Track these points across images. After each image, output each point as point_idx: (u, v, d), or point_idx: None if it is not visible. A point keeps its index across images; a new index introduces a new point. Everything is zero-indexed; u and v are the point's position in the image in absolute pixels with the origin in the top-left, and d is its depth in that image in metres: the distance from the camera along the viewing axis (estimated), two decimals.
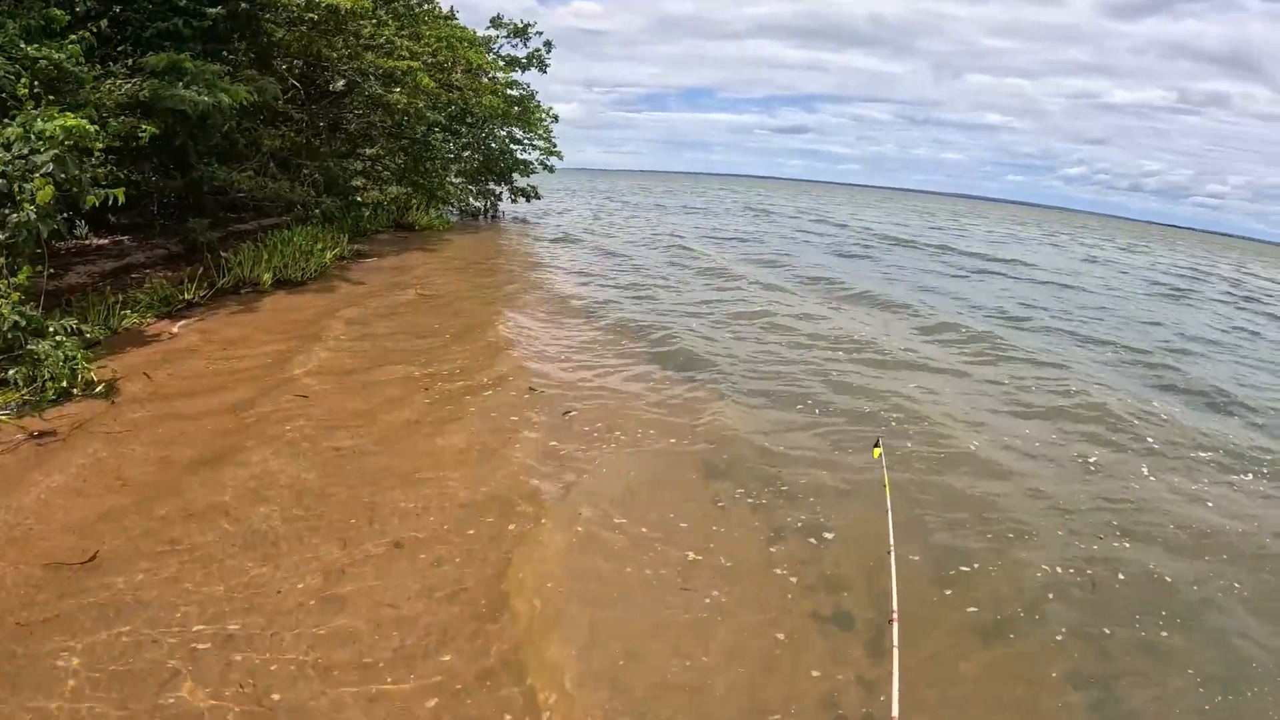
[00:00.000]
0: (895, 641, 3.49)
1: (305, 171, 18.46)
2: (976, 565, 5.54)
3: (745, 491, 6.48)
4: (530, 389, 8.81)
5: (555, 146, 29.25)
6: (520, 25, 26.35)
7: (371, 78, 17.94)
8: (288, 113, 17.83)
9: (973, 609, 5.03)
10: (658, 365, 10.46)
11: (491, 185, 29.34)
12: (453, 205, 28.22)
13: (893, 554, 4.31)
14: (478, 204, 29.42)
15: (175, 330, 10.65)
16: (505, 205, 30.74)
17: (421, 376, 9.12)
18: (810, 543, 5.73)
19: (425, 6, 20.83)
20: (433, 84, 18.10)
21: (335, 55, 16.24)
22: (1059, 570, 5.56)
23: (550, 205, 37.69)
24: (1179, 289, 26.60)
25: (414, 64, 17.38)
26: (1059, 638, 4.78)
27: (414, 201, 24.35)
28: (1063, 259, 34.42)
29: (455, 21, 22.22)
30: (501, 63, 26.00)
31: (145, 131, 11.58)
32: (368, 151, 23.64)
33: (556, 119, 29.07)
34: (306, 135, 19.28)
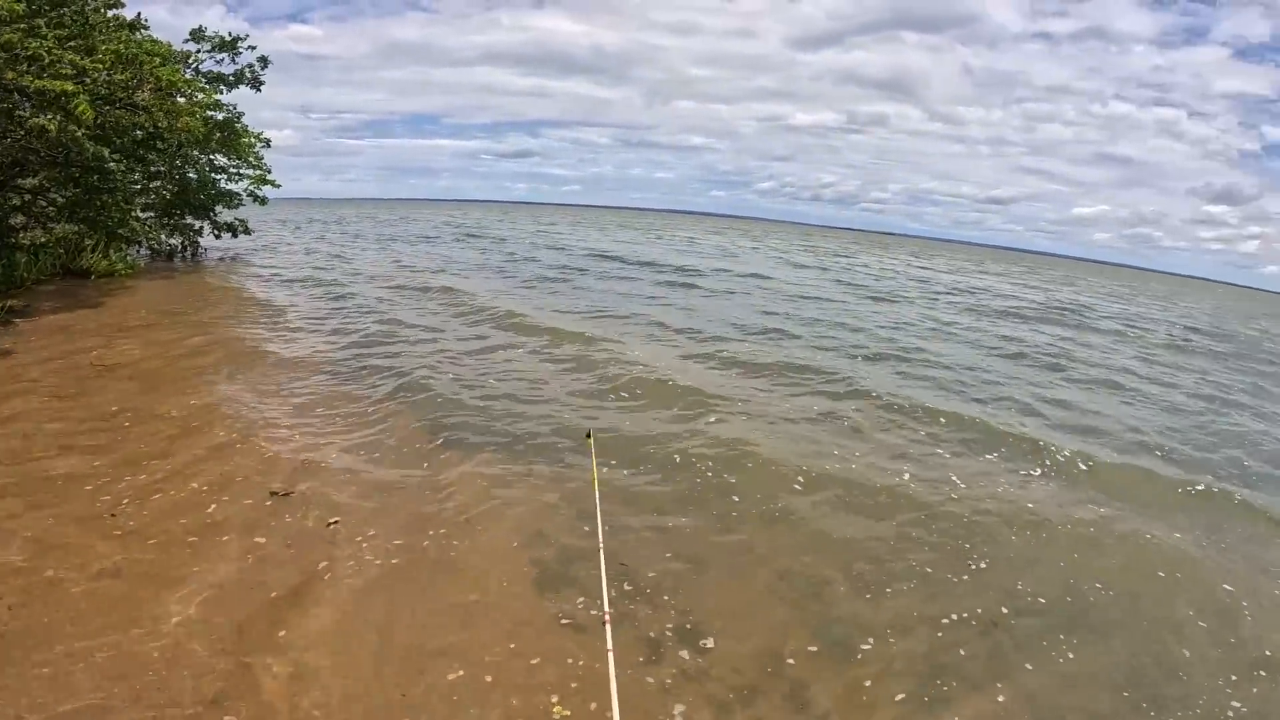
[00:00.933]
0: (610, 644, 3.46)
1: None
2: None
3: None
4: (272, 493, 6.98)
5: (268, 174, 25.81)
6: (227, 39, 22.80)
7: (17, 96, 14.19)
8: None
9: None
10: (415, 419, 9.31)
11: (190, 220, 25.18)
12: (140, 245, 23.78)
13: (602, 551, 4.39)
14: (172, 242, 25.06)
15: None
16: (208, 242, 26.59)
17: (100, 487, 6.72)
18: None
19: (103, 14, 16.92)
20: (91, 113, 14.59)
21: None
22: None
23: (264, 240, 33.63)
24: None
25: (69, 86, 13.87)
26: None
27: (88, 242, 20.11)
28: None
29: (143, 33, 18.37)
30: (203, 81, 22.12)
31: None
32: (26, 183, 19.11)
33: (268, 144, 25.61)
34: None
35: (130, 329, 13.41)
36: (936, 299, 31.40)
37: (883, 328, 20.74)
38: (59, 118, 14.46)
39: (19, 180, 18.49)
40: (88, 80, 14.84)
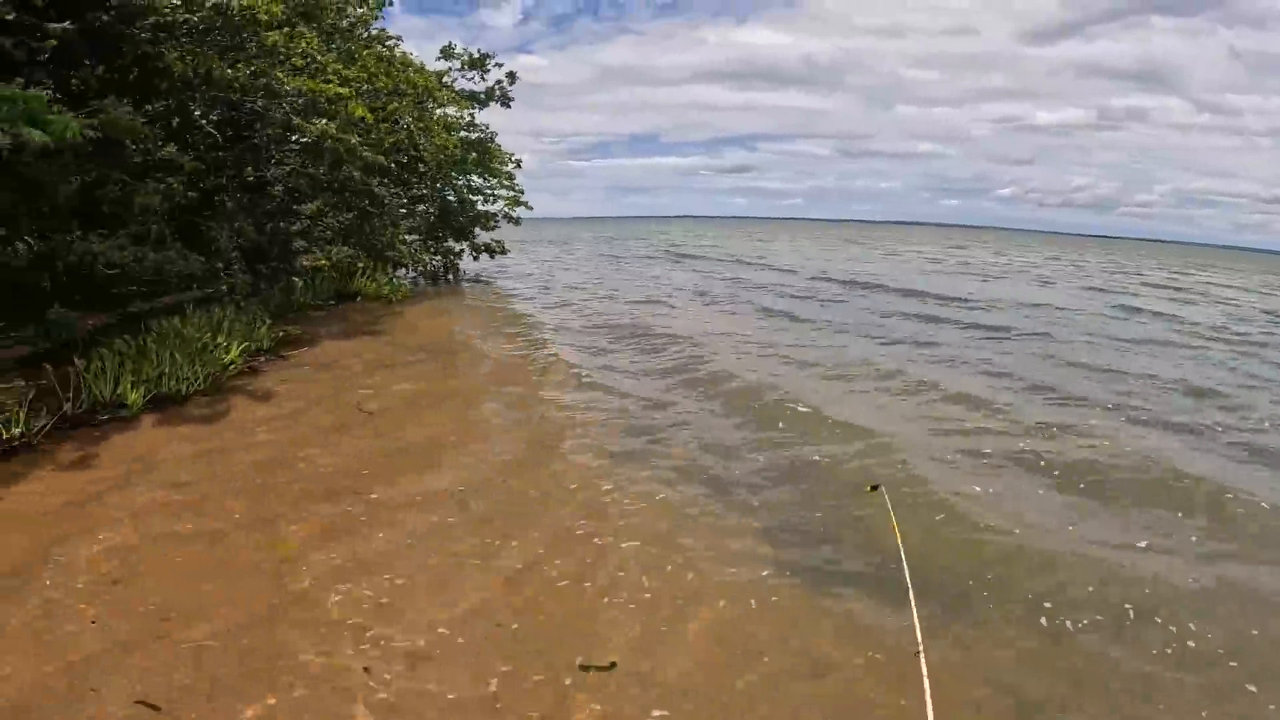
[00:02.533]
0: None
1: (213, 235, 14.00)
2: None
3: None
4: None
5: (521, 195, 25.13)
6: (476, 56, 22.40)
7: (284, 103, 13.43)
8: (183, 158, 13.39)
9: None
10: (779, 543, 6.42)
11: (450, 242, 24.92)
12: (406, 267, 23.75)
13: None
14: (435, 262, 24.92)
15: None
16: (466, 264, 26.29)
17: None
18: None
19: (360, 29, 16.49)
20: (366, 112, 13.58)
21: (235, 76, 11.66)
22: None
23: (514, 260, 32.67)
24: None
25: (343, 90, 12.99)
26: None
27: (360, 266, 19.99)
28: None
29: (393, 43, 18.03)
30: (457, 96, 21.63)
31: None
32: (307, 208, 19.28)
33: (519, 164, 25.05)
34: (210, 187, 14.83)
35: (404, 364, 12.02)
36: None
37: None
38: (333, 124, 13.54)
39: (299, 206, 18.53)
40: (347, 90, 13.99)
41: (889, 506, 5.50)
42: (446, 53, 22.34)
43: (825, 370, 12.37)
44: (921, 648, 3.70)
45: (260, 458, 7.74)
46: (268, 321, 13.32)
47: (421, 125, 17.53)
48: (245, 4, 10.83)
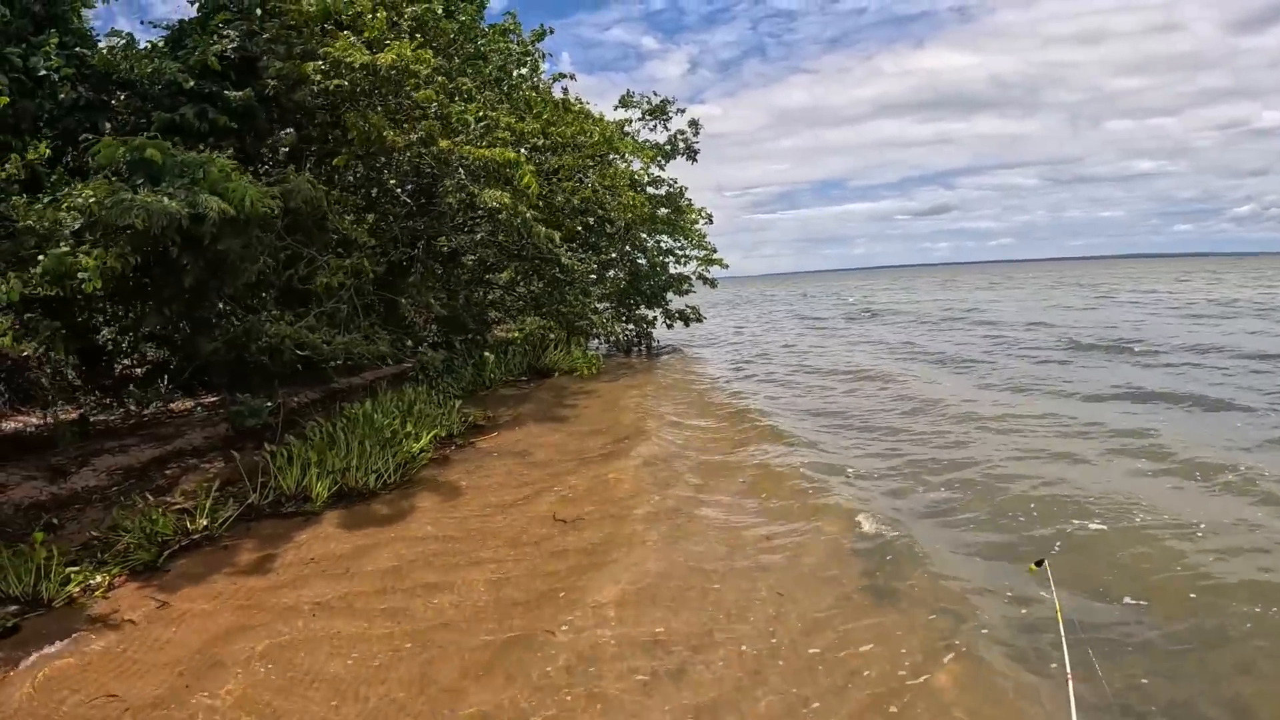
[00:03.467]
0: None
1: (403, 310, 13.59)
2: None
3: None
4: None
5: (714, 253, 23.60)
6: (656, 103, 21.25)
7: (460, 170, 12.77)
8: (359, 231, 13.17)
9: None
10: None
11: (643, 309, 23.87)
12: (597, 337, 22.89)
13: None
14: (629, 330, 23.89)
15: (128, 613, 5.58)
16: (660, 331, 25.08)
17: None
18: None
19: (526, 75, 15.95)
20: (535, 181, 12.60)
21: (402, 142, 11.03)
22: None
23: (710, 328, 30.58)
24: None
25: (511, 154, 12.05)
26: None
27: (552, 337, 19.33)
28: None
29: (566, 83, 17.38)
30: (641, 147, 20.42)
31: (86, 269, 6.75)
32: (500, 278, 19.07)
33: (710, 219, 23.46)
34: (400, 258, 14.58)
35: (599, 457, 10.49)
36: None
37: None
38: (505, 191, 12.55)
39: (491, 275, 18.24)
40: (525, 147, 13.10)
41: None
42: (625, 101, 21.22)
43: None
44: None
45: (433, 579, 6.44)
46: (458, 402, 12.55)
47: (607, 182, 16.53)
48: (395, 60, 10.12)
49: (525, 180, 12.22)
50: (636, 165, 18.78)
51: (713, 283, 23.92)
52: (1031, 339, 22.58)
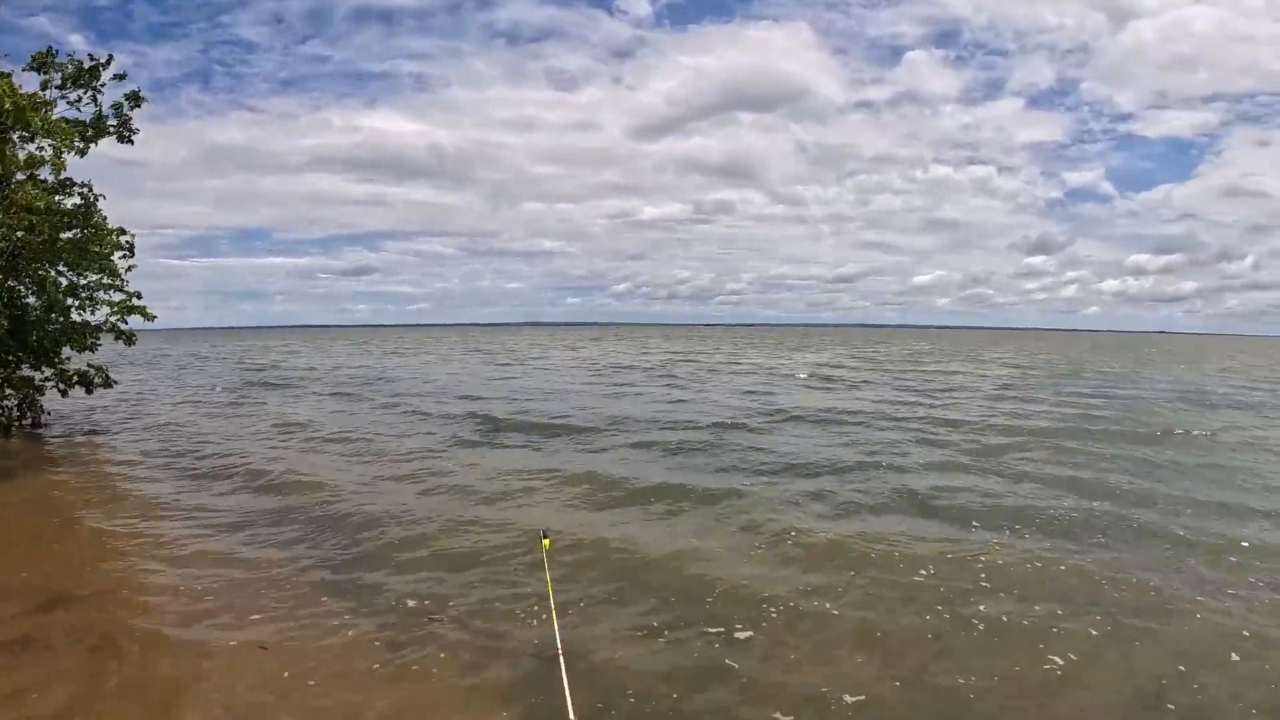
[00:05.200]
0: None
1: None
2: None
3: None
4: None
5: (137, 297, 18.15)
6: (84, 65, 15.37)
7: None
8: None
9: None
10: None
11: (27, 369, 17.71)
12: None
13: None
14: (6, 404, 17.43)
15: None
16: (51, 401, 18.84)
17: None
18: None
19: None
20: None
21: None
22: None
23: (115, 394, 22.66)
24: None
25: None
26: None
27: None
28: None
29: None
30: (58, 124, 13.74)
31: None
32: None
33: (132, 249, 17.91)
34: None
35: None
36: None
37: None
38: None
39: None
40: None
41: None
42: (42, 60, 15.02)
43: None
44: None
45: None
46: None
47: None
48: None
49: None
50: (47, 156, 13.10)
51: (129, 337, 18.80)
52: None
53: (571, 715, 3.98)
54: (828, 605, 6.88)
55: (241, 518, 10.38)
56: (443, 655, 6.00)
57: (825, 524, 9.80)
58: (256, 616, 6.82)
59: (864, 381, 32.52)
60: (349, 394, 27.38)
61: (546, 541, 6.09)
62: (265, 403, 24.76)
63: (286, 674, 5.66)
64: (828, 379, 33.79)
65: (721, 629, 6.37)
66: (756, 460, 14.08)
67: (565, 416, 20.25)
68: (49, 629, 6.41)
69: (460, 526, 9.66)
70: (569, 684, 4.30)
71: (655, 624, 6.55)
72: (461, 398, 25.40)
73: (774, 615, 6.69)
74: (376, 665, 5.83)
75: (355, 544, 9.14)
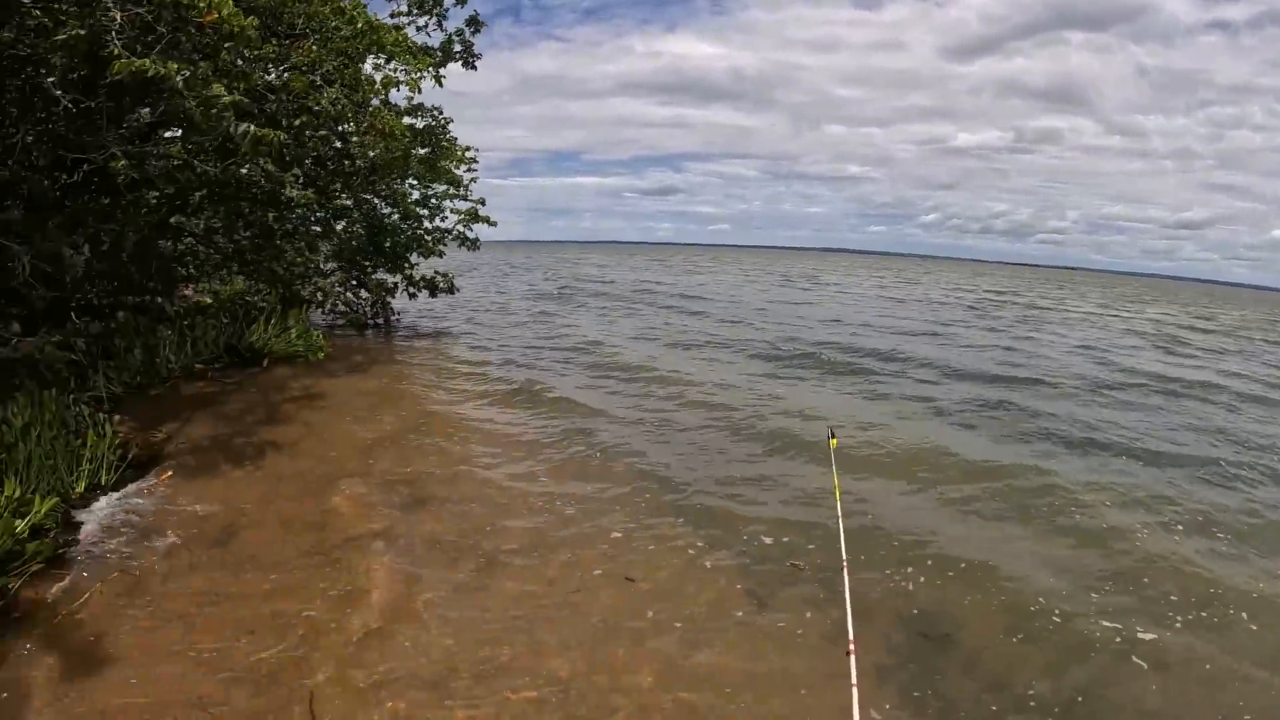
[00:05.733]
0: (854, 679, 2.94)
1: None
2: None
3: None
4: None
5: (481, 206, 18.87)
6: None
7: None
8: None
9: None
10: None
11: (384, 275, 18.86)
12: (321, 307, 17.57)
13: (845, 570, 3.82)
14: (362, 300, 18.74)
15: None
16: (401, 302, 19.78)
17: None
18: None
19: None
20: (242, 20, 7.14)
21: None
22: None
23: (466, 300, 24.58)
24: None
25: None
26: None
27: (261, 305, 14.07)
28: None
29: None
30: (409, 48, 12.91)
31: None
32: (197, 223, 13.16)
33: (476, 162, 18.35)
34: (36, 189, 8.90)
35: (355, 541, 6.25)
36: None
37: None
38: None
39: (182, 219, 12.51)
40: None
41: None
42: None
43: None
44: None
45: None
46: (107, 426, 7.38)
47: (357, 96, 11.44)
48: None
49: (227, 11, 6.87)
50: (401, 80, 13.03)
51: (474, 244, 19.30)
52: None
53: None
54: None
55: (566, 426, 9.79)
56: (809, 615, 5.20)
57: (1173, 539, 6.89)
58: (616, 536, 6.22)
59: (1224, 350, 25.39)
60: (674, 306, 26.92)
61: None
62: (583, 307, 25.18)
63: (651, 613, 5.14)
64: (1176, 341, 26.85)
65: None
66: (1087, 437, 10.69)
67: (880, 353, 17.80)
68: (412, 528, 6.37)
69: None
70: None
71: None
72: (778, 323, 23.47)
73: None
74: (740, 614, 5.24)
75: (700, 466, 8.41)
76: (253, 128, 7.19)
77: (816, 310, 29.27)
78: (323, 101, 10.27)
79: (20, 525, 5.26)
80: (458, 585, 5.40)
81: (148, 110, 9.10)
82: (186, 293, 16.49)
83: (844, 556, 3.97)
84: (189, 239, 13.26)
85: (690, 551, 6.11)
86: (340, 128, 12.55)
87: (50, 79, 7.60)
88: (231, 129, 7.17)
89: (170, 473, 6.97)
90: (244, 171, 10.79)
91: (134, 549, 5.61)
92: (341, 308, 18.21)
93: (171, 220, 12.36)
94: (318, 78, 10.42)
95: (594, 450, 8.72)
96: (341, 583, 5.29)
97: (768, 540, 6.37)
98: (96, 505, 6.26)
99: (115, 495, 6.46)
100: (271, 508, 6.53)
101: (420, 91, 13.77)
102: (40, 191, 8.47)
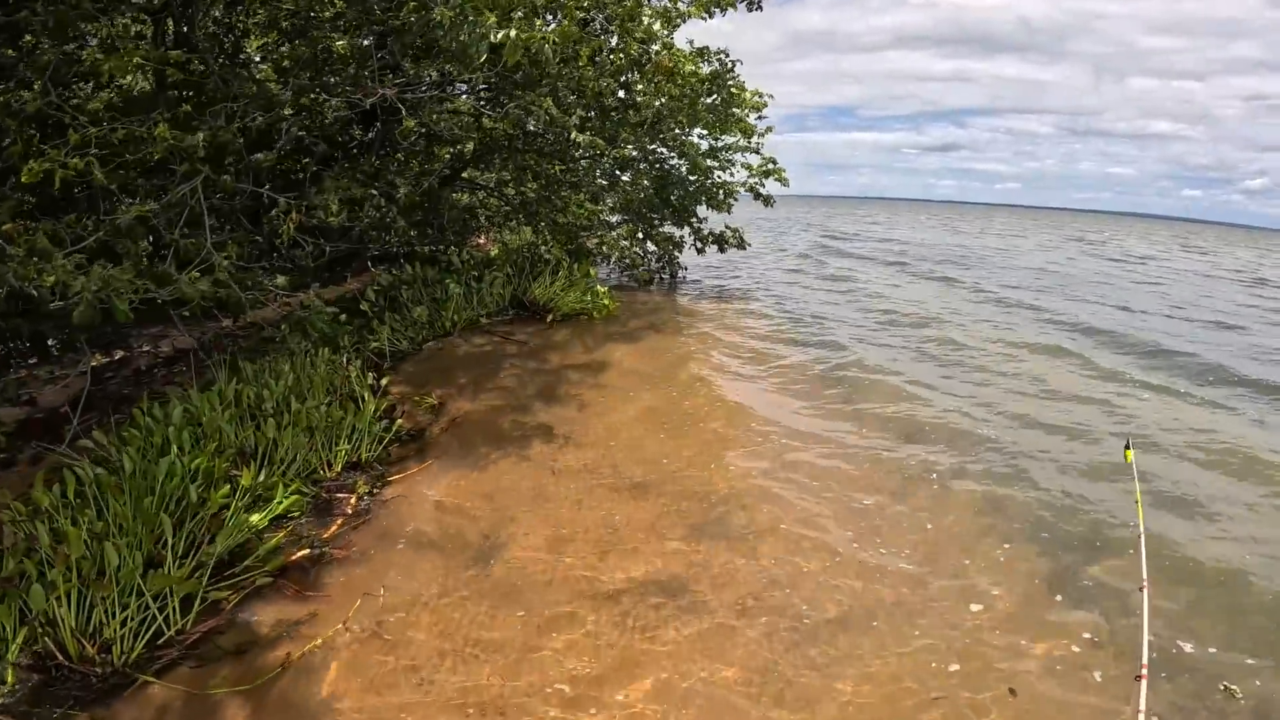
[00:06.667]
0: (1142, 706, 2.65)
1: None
2: None
3: None
4: None
5: (774, 163, 17.18)
6: None
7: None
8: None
9: None
10: None
11: (669, 227, 17.72)
12: (606, 261, 16.98)
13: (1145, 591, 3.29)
14: (649, 254, 17.75)
15: None
16: (688, 257, 18.37)
17: None
18: None
19: None
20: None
21: None
22: None
23: (729, 257, 21.19)
24: None
25: None
26: None
27: (547, 258, 13.51)
28: None
29: None
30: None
31: None
32: (488, 178, 12.91)
33: (766, 105, 15.76)
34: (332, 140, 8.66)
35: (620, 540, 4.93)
36: None
37: None
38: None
39: (473, 173, 12.24)
40: None
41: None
42: None
43: None
44: None
45: None
46: (371, 393, 6.70)
47: (639, 38, 10.04)
48: None
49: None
50: (685, 22, 11.57)
51: (768, 200, 17.44)
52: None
53: None
54: None
55: (898, 432, 7.34)
56: None
57: None
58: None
59: None
60: (984, 276, 23.27)
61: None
62: (865, 276, 22.34)
63: None
64: None
65: None
66: None
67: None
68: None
69: None
70: None
71: None
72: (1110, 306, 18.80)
73: None
74: None
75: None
76: (513, 31, 5.86)
77: (1171, 290, 23.48)
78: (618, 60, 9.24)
79: (257, 518, 4.44)
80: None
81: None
82: (480, 240, 16.56)
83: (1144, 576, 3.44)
84: (480, 192, 12.91)
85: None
86: (623, 77, 11.44)
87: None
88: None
89: (430, 463, 6.04)
90: (530, 128, 10.14)
91: (375, 560, 4.61)
92: (626, 261, 17.42)
93: (464, 174, 12.10)
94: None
95: (931, 475, 6.54)
96: (618, 649, 3.85)
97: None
98: (345, 496, 5.42)
99: (366, 485, 5.59)
100: (541, 513, 5.32)
101: (711, 16, 12.06)
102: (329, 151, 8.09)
